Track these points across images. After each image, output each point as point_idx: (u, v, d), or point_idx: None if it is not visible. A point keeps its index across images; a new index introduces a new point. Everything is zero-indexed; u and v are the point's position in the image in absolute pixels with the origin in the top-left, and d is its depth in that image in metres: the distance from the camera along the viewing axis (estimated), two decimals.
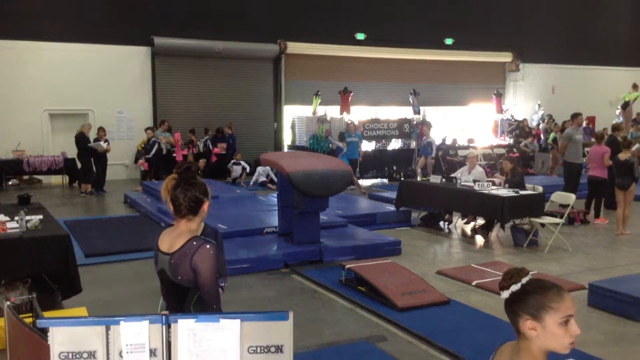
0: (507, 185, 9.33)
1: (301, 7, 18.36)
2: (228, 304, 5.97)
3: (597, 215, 10.63)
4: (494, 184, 9.53)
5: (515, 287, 1.86)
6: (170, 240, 2.69)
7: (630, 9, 24.28)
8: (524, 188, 9.22)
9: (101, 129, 14.25)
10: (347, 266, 6.81)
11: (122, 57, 16.48)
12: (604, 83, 23.20)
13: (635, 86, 17.97)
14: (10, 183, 15.06)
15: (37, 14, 15.36)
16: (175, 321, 2.23)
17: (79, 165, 14.50)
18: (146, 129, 15.73)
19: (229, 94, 17.99)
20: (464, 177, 9.93)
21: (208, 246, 2.60)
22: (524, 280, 1.86)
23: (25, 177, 15.35)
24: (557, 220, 8.91)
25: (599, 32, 23.29)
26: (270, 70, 18.68)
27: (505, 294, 1.89)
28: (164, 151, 14.96)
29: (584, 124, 20.16)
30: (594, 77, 23.14)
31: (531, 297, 1.83)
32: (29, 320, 3.43)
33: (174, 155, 15.48)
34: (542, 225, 8.96)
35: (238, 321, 2.22)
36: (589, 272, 7.38)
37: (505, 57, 22.01)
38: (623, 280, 6.36)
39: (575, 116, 11.43)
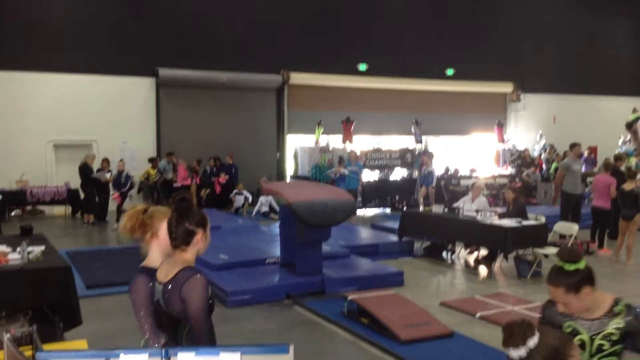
0: (506, 215, 9.30)
1: (304, 38, 18.60)
2: (229, 337, 5.94)
3: (600, 246, 10.57)
4: (496, 213, 9.52)
5: (521, 353, 1.83)
6: (166, 270, 2.69)
7: (631, 39, 24.51)
8: (525, 218, 9.20)
9: (105, 160, 14.35)
10: (350, 297, 6.76)
11: (127, 87, 16.66)
12: (605, 113, 23.28)
13: (635, 110, 18.00)
14: (13, 214, 15.06)
15: (42, 45, 15.57)
16: (175, 354, 2.22)
17: (82, 195, 14.54)
18: (150, 159, 15.85)
19: (232, 124, 18.11)
20: (467, 207, 9.91)
21: (199, 276, 2.57)
22: (531, 343, 1.81)
23: (28, 207, 15.37)
24: None
25: (600, 62, 23.49)
26: (273, 100, 18.83)
27: (514, 355, 1.85)
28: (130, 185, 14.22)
29: (586, 153, 20.20)
30: (596, 107, 23.25)
31: (551, 354, 1.80)
32: (29, 352, 3.40)
33: (175, 184, 15.54)
34: (546, 256, 8.91)
35: (238, 354, 2.20)
36: None
37: (506, 88, 22.17)
38: None
39: (573, 146, 11.37)
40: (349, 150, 16.02)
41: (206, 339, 2.56)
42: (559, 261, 2.55)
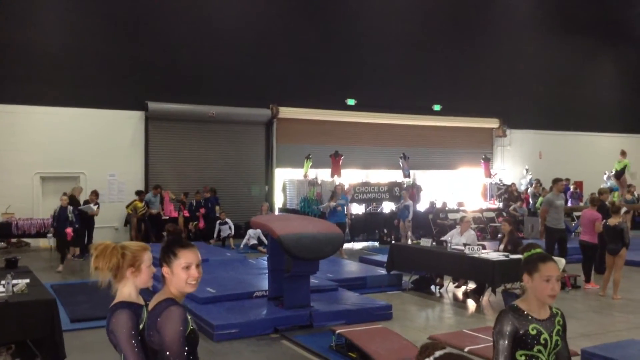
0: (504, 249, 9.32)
1: (293, 73, 18.82)
2: None
3: (587, 280, 10.61)
4: (484, 247, 9.55)
5: None
6: (155, 300, 2.69)
7: (615, 76, 25.07)
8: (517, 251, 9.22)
9: (93, 193, 14.30)
10: (338, 331, 6.71)
11: (116, 121, 16.69)
12: (590, 148, 23.65)
13: (623, 153, 18.33)
14: None
15: (31, 79, 15.63)
16: None
17: None
18: (137, 192, 15.82)
19: (221, 158, 18.16)
20: (455, 240, 9.94)
21: (174, 308, 2.55)
22: (437, 354, 1.90)
23: (14, 240, 15.19)
24: None
25: (584, 99, 23.96)
26: (262, 134, 18.94)
27: None
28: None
29: (572, 188, 20.42)
30: (581, 143, 23.62)
31: None
32: None
33: (164, 217, 15.49)
34: None
35: None
36: (582, 337, 7.30)
37: (492, 123, 22.48)
38: (616, 346, 6.29)
39: (556, 182, 11.47)
40: (336, 184, 16.01)
41: None
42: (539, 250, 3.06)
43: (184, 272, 2.66)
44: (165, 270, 2.69)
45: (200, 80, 17.60)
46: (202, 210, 16.33)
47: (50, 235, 13.62)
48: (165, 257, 2.69)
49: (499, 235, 17.37)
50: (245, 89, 18.00)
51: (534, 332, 2.84)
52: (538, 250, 3.06)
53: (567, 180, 20.47)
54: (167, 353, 2.49)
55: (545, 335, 2.86)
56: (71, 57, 16.26)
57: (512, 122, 22.54)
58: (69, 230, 12.08)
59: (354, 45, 19.69)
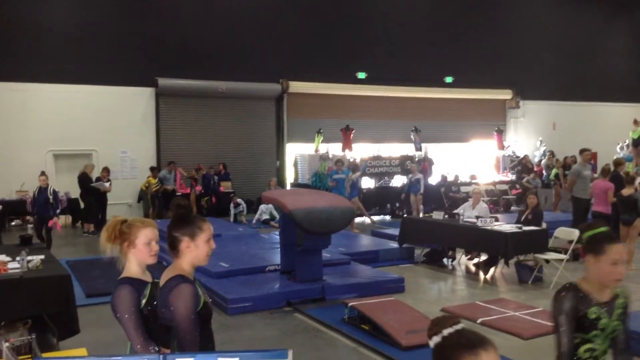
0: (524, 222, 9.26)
1: (303, 47, 18.65)
2: (229, 344, 5.91)
3: None
4: (496, 220, 9.50)
5: (436, 339, 1.76)
6: (164, 276, 2.69)
7: (630, 45, 24.58)
8: (539, 225, 9.17)
9: (105, 169, 14.36)
10: (350, 304, 6.74)
11: (127, 98, 16.69)
12: (605, 119, 23.33)
13: (635, 122, 18.05)
14: (13, 223, 15.07)
15: (42, 56, 15.62)
16: None
17: (82, 205, 14.53)
18: (151, 168, 15.90)
19: (232, 133, 18.14)
20: (467, 213, 9.90)
21: (183, 285, 2.55)
22: (446, 332, 1.74)
23: (28, 217, 15.34)
24: (562, 256, 8.84)
25: (599, 69, 23.55)
26: (273, 109, 18.86)
27: (431, 344, 1.78)
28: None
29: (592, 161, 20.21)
30: (595, 113, 23.29)
31: (445, 352, 1.71)
32: None
33: (177, 194, 15.56)
34: (547, 261, 8.90)
35: (236, 359, 2.19)
36: None
37: (505, 95, 22.21)
38: (631, 317, 6.25)
39: (582, 152, 11.44)
40: (338, 158, 15.78)
41: (193, 348, 2.52)
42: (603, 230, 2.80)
43: (207, 246, 2.69)
44: (185, 244, 2.66)
45: (210, 55, 17.49)
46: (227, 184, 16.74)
47: (30, 224, 12.47)
48: (190, 230, 2.67)
49: (512, 207, 17.37)
50: (255, 64, 17.88)
51: (593, 317, 2.72)
52: (602, 229, 2.82)
53: (593, 152, 20.29)
54: (179, 330, 2.52)
55: (605, 320, 2.73)
56: (81, 34, 16.20)
57: (526, 94, 22.25)
58: (56, 221, 10.63)
59: (364, 18, 19.43)
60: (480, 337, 1.73)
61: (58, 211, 10.86)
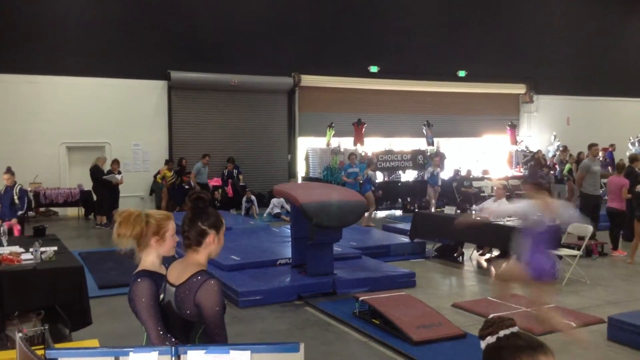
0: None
1: (315, 41, 18.60)
2: (240, 337, 5.93)
3: (615, 247, 10.45)
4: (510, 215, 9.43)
5: (490, 340, 1.70)
6: (178, 271, 2.66)
7: None
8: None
9: (115, 162, 14.44)
10: (361, 298, 6.72)
11: (139, 90, 16.75)
12: (620, 114, 23.09)
13: None
14: (26, 215, 15.19)
15: (56, 49, 15.70)
16: (185, 352, 2.21)
17: (94, 197, 14.63)
18: (166, 161, 15.96)
19: (243, 126, 18.15)
20: (488, 206, 9.89)
21: (212, 281, 2.55)
22: (502, 333, 1.68)
23: (42, 209, 15.48)
24: (575, 252, 8.77)
25: (614, 63, 23.28)
26: (285, 103, 18.84)
27: (482, 345, 1.73)
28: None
29: (601, 155, 20.03)
30: (610, 108, 23.05)
31: (502, 354, 1.66)
32: (41, 352, 3.41)
33: (187, 187, 15.57)
34: (560, 257, 8.82)
35: (248, 353, 2.19)
36: (608, 305, 7.23)
37: (519, 89, 22.03)
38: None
39: (591, 146, 11.28)
40: (351, 152, 15.78)
41: (224, 342, 2.55)
42: None
43: (223, 238, 2.72)
44: (212, 237, 2.66)
45: (222, 49, 17.50)
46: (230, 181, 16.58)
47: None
48: (216, 223, 2.69)
49: None
50: (268, 57, 17.87)
51: None
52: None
53: (612, 146, 20.09)
54: (211, 326, 2.52)
55: None
56: (94, 27, 16.26)
57: (540, 88, 22.06)
58: (13, 223, 9.16)
59: (377, 11, 19.33)
60: (538, 340, 1.69)
61: (21, 212, 9.65)
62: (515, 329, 1.70)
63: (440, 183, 15.59)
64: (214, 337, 2.54)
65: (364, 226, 13.07)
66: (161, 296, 2.73)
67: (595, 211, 10.81)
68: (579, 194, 11.06)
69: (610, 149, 20.21)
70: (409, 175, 17.62)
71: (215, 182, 16.46)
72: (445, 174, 17.74)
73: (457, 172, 17.67)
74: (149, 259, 2.84)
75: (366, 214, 14.03)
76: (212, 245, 2.68)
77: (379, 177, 17.07)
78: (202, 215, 2.67)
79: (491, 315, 1.81)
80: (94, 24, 16.29)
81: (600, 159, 19.57)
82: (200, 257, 2.67)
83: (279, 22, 18.18)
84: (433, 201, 15.43)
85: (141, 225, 2.80)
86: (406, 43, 19.63)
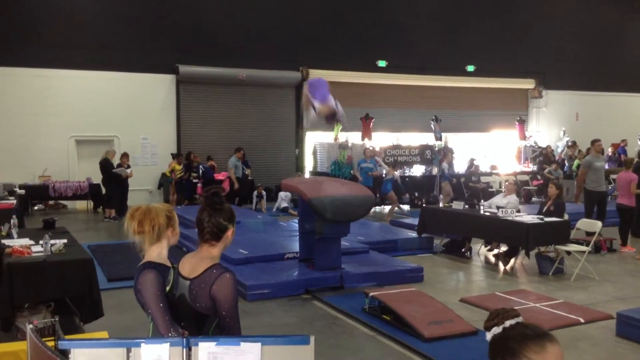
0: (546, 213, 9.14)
1: (323, 35, 18.57)
2: (248, 330, 5.93)
3: (624, 244, 10.41)
4: (518, 211, 9.41)
5: (496, 330, 1.71)
6: (192, 265, 2.67)
7: None
8: (561, 217, 9.05)
9: (125, 155, 14.48)
10: (371, 294, 6.70)
11: (148, 84, 16.78)
12: (629, 109, 22.93)
13: None
14: (36, 208, 15.30)
15: (65, 43, 15.75)
16: (196, 344, 2.22)
17: (103, 190, 14.70)
18: (173, 155, 15.99)
19: (251, 120, 18.16)
20: (497, 201, 9.89)
21: (228, 275, 2.57)
22: (507, 323, 1.70)
23: (51, 202, 15.57)
24: (583, 248, 8.73)
25: (624, 59, 23.12)
26: (293, 97, 18.82)
27: (488, 336, 1.74)
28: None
29: (610, 151, 19.91)
30: (619, 104, 22.89)
31: (509, 343, 1.66)
32: (51, 344, 3.43)
33: (195, 181, 15.61)
34: (568, 253, 8.80)
35: (259, 345, 2.19)
36: (617, 301, 7.20)
37: (528, 84, 21.91)
38: None
39: (594, 142, 11.18)
40: (367, 147, 15.96)
41: (239, 334, 2.57)
42: None
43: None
44: (231, 231, 2.71)
45: (231, 43, 17.50)
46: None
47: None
48: (233, 218, 2.73)
49: (533, 198, 17.19)
50: (276, 52, 17.85)
51: None
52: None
53: (624, 141, 19.95)
54: (227, 319, 2.55)
55: None
56: (103, 20, 16.29)
57: (549, 83, 21.93)
58: None
59: (385, 5, 19.25)
60: (544, 329, 1.70)
61: None
62: (520, 319, 1.72)
63: (454, 174, 15.71)
64: (229, 330, 2.56)
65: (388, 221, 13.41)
66: (167, 288, 2.75)
67: (601, 207, 10.73)
68: (579, 191, 10.97)
69: (622, 144, 20.10)
70: (416, 170, 17.57)
71: (222, 175, 16.46)
72: (456, 169, 17.66)
73: (472, 160, 17.55)
74: (156, 251, 2.86)
75: (389, 210, 14.29)
76: (228, 239, 2.71)
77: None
78: (222, 210, 2.70)
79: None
80: (103, 17, 16.32)
81: (609, 153, 19.49)
82: (215, 250, 2.70)
83: (287, 17, 18.15)
84: (451, 195, 15.39)
85: (164, 219, 2.84)
86: (414, 38, 19.55)
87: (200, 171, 15.58)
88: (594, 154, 11.06)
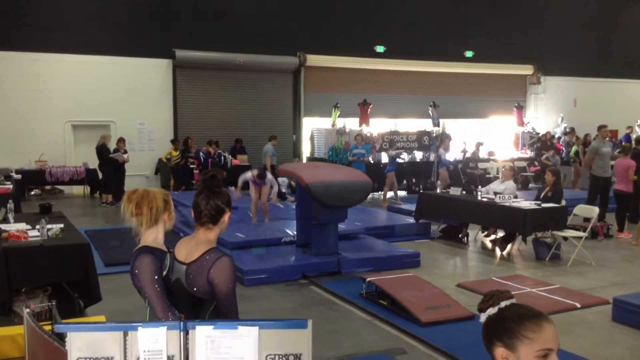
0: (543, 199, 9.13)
1: (321, 20, 18.44)
2: (246, 315, 5.94)
3: (621, 229, 10.43)
4: (515, 196, 9.41)
5: (492, 311, 1.71)
6: (188, 249, 2.65)
7: None
8: (559, 203, 9.05)
9: (121, 140, 14.42)
10: (368, 279, 6.72)
11: (144, 69, 16.68)
12: (627, 96, 22.89)
13: None
14: (32, 193, 15.26)
15: (61, 27, 15.62)
16: (193, 328, 2.21)
17: (100, 175, 14.66)
18: (172, 141, 15.95)
19: (248, 106, 18.09)
20: (494, 187, 9.89)
21: (226, 258, 2.56)
22: (503, 304, 1.70)
23: (48, 187, 15.53)
24: (580, 233, 8.75)
25: (622, 45, 23.03)
26: (290, 83, 18.75)
27: (482, 318, 1.73)
28: None
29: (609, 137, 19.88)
30: (618, 90, 22.85)
31: (506, 323, 1.66)
32: (48, 327, 3.43)
33: (192, 166, 15.57)
34: (565, 238, 8.82)
35: (256, 328, 2.18)
36: (613, 286, 7.23)
37: (526, 70, 21.84)
38: None
39: (600, 128, 11.17)
40: (357, 133, 15.87)
41: (236, 317, 2.57)
42: None
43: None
44: (228, 215, 2.71)
45: (228, 27, 17.37)
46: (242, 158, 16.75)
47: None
48: (229, 201, 2.73)
49: (530, 184, 17.20)
50: (273, 37, 17.73)
51: None
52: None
53: (630, 128, 19.91)
54: (225, 303, 2.54)
55: None
56: (100, 5, 16.14)
57: (547, 69, 21.87)
58: None
59: None
60: (539, 310, 1.71)
61: None
62: (514, 300, 1.72)
63: (450, 162, 15.71)
64: (227, 314, 2.55)
65: (384, 206, 13.42)
66: (164, 273, 2.73)
67: (604, 193, 10.75)
68: (589, 175, 10.97)
69: (627, 131, 20.07)
70: (414, 156, 17.54)
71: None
72: (451, 155, 17.63)
73: (478, 144, 17.61)
74: (152, 236, 2.84)
75: (388, 195, 14.28)
76: (224, 223, 2.70)
77: (385, 158, 17.00)
78: (220, 194, 2.68)
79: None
80: (100, 1, 16.18)
81: (614, 139, 19.46)
82: (212, 234, 2.68)
83: (284, 1, 18.02)
84: (448, 182, 15.39)
85: (162, 202, 2.83)
86: (413, 23, 19.44)
87: (202, 158, 15.55)
88: (600, 139, 11.05)
